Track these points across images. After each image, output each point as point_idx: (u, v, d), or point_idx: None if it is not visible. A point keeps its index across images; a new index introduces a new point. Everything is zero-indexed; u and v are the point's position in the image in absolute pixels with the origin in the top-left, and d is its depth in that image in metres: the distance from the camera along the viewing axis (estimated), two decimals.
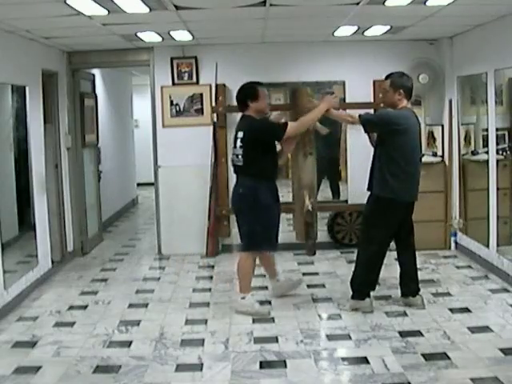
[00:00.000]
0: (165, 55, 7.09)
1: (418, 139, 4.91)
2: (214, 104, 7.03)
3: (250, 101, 5.04)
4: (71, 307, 5.41)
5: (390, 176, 4.77)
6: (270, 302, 5.35)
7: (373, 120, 4.98)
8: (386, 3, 4.82)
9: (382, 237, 4.93)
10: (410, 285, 5.11)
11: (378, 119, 5.00)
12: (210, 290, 5.87)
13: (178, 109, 7.13)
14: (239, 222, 5.15)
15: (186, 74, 7.11)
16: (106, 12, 4.80)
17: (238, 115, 7.23)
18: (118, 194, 9.93)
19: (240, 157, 5.03)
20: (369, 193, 5.02)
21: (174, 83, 7.13)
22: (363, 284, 5.04)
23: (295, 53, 7.09)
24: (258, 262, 5.30)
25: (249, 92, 5.10)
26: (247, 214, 5.04)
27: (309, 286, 5.81)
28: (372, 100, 7.03)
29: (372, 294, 5.09)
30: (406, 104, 4.85)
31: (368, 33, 6.42)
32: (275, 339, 4.49)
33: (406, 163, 4.78)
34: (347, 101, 7.18)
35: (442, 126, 7.07)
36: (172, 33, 6.13)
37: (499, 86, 5.90)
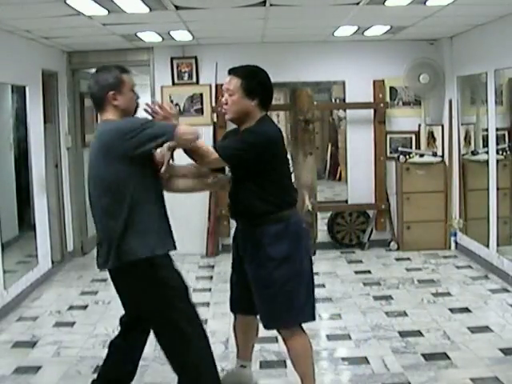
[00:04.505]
0: (165, 55, 7.08)
1: None
2: (214, 104, 7.02)
3: None
4: (71, 307, 5.41)
5: None
6: None
7: None
8: (386, 3, 4.82)
9: None
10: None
11: None
12: (210, 290, 5.87)
13: (178, 109, 7.12)
14: None
15: (186, 74, 7.10)
16: (106, 12, 4.80)
17: None
18: None
19: None
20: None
21: (174, 83, 7.12)
22: None
23: (295, 53, 7.08)
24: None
25: None
26: None
27: None
28: (372, 100, 7.03)
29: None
30: None
31: (368, 33, 6.42)
32: (275, 339, 4.45)
33: None
34: (347, 101, 7.20)
35: (442, 125, 7.07)
36: (172, 33, 6.13)
37: (499, 86, 5.90)
